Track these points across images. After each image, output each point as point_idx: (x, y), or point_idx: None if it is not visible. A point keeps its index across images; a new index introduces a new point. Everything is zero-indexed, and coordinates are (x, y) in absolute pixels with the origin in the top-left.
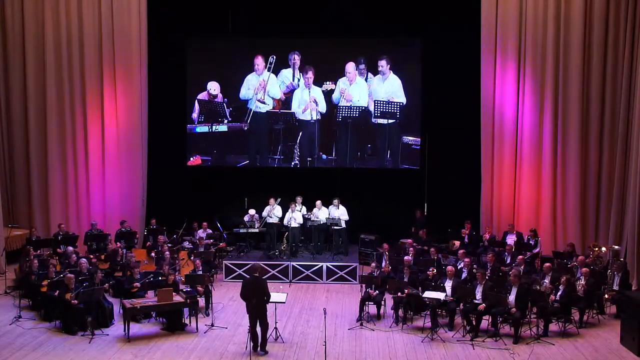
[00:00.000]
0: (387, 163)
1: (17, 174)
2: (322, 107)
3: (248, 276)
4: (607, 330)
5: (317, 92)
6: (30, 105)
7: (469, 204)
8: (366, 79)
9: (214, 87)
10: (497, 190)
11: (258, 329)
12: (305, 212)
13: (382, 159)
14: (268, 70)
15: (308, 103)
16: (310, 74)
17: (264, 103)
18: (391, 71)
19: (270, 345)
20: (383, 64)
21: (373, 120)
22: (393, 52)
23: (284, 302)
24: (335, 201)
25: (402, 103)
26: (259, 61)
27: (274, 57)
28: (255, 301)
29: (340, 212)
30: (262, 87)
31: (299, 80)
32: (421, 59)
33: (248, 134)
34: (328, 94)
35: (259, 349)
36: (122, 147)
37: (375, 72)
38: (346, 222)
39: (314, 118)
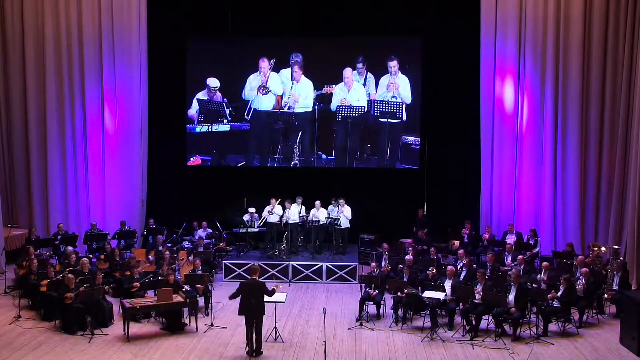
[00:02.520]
0: (387, 163)
1: (17, 174)
2: (310, 101)
3: (248, 277)
4: (607, 330)
5: (306, 87)
6: (30, 105)
7: (469, 204)
8: (365, 79)
9: (213, 82)
10: (497, 190)
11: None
12: (304, 212)
13: (382, 159)
14: (269, 71)
15: (292, 94)
16: (296, 69)
17: (266, 94)
18: (400, 71)
19: (270, 345)
20: (395, 65)
21: (380, 119)
22: (393, 52)
23: (284, 302)
24: (342, 201)
25: (403, 103)
26: (265, 64)
27: (274, 61)
28: (254, 302)
29: (345, 212)
30: (264, 82)
31: (297, 82)
32: (421, 59)
33: (248, 134)
34: (326, 98)
35: (254, 354)
36: (122, 147)
37: (376, 72)
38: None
39: (298, 110)
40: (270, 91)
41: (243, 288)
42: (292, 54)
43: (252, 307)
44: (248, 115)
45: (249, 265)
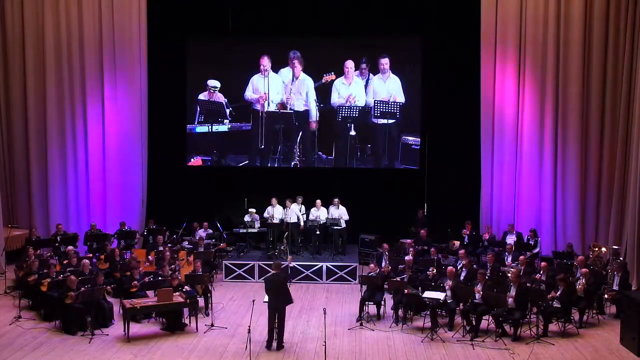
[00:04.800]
0: (386, 163)
1: (17, 174)
2: (310, 99)
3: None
4: (607, 330)
5: (305, 84)
6: (30, 105)
7: (469, 204)
8: (367, 79)
9: (213, 82)
10: (497, 190)
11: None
12: (303, 211)
13: (382, 159)
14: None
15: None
16: (296, 64)
17: (267, 104)
18: (391, 71)
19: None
20: (386, 62)
21: (373, 120)
22: (393, 51)
23: None
24: (336, 201)
25: (402, 103)
26: (265, 62)
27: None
28: (276, 295)
29: (340, 212)
30: (265, 98)
31: (297, 78)
32: (421, 59)
33: (248, 134)
34: (325, 90)
35: (274, 344)
36: (122, 147)
37: (376, 71)
38: (346, 222)
39: (302, 108)
40: (272, 101)
41: (266, 282)
42: (290, 51)
43: (273, 299)
44: (255, 119)
45: (249, 265)
